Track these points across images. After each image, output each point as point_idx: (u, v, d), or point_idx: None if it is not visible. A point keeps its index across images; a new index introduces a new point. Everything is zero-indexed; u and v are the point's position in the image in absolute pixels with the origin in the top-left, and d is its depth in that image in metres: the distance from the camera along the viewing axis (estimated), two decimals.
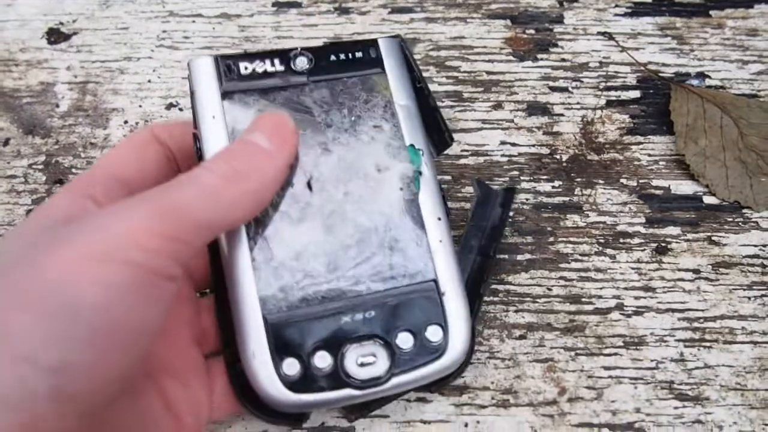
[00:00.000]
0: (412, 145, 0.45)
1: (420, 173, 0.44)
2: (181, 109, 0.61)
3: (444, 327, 0.42)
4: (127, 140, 0.44)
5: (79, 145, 0.59)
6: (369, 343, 0.41)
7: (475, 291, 0.48)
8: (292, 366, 0.39)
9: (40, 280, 0.32)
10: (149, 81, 0.63)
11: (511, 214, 0.54)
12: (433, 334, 0.41)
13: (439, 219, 0.44)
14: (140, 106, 0.61)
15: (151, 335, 0.36)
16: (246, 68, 0.44)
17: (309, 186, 0.43)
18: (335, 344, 0.40)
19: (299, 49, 0.46)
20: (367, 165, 0.44)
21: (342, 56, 0.46)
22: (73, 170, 0.58)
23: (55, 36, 0.66)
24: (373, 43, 0.47)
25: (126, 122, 0.60)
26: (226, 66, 0.44)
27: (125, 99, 0.62)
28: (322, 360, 0.40)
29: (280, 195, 0.42)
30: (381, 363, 0.40)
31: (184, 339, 0.43)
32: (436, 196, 0.44)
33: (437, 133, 0.49)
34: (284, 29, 0.66)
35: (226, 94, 0.44)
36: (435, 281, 0.42)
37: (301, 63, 0.45)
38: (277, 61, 0.45)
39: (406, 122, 0.45)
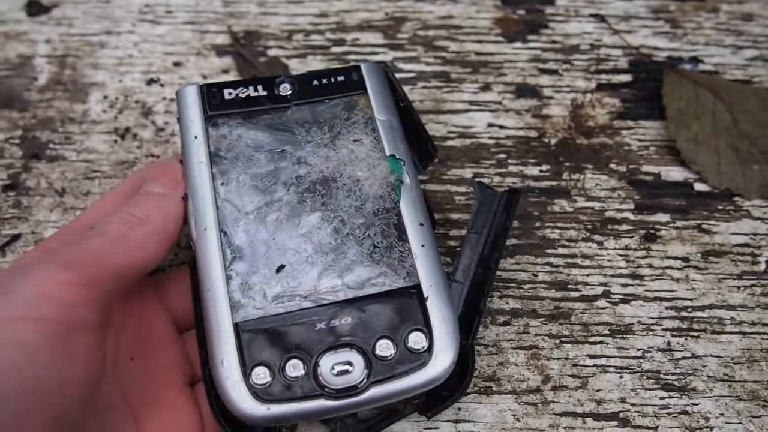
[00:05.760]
0: (393, 156, 0.44)
1: (401, 182, 0.43)
2: (162, 85, 0.60)
3: (427, 333, 0.39)
4: (112, 191, 0.44)
5: (57, 119, 0.58)
6: (345, 351, 0.39)
7: (474, 307, 0.46)
8: (262, 375, 0.38)
9: None
10: (130, 56, 0.61)
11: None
12: (416, 341, 0.39)
13: (422, 225, 0.42)
14: (120, 81, 0.60)
15: (80, 392, 0.35)
16: (230, 94, 0.46)
17: (286, 197, 0.42)
18: (309, 352, 0.38)
19: (283, 76, 0.47)
20: (347, 176, 0.43)
21: (325, 81, 0.47)
22: (50, 145, 0.56)
23: (35, 8, 0.64)
24: (356, 68, 0.48)
25: (106, 97, 0.59)
26: (211, 93, 0.46)
27: (105, 74, 0.60)
28: (295, 369, 0.38)
29: (256, 205, 0.42)
30: (357, 371, 0.38)
31: (173, 383, 0.43)
32: (418, 203, 0.43)
33: (422, 147, 0.48)
34: (269, 5, 0.64)
35: (209, 119, 0.45)
36: (417, 286, 0.41)
37: (285, 89, 0.46)
38: (260, 87, 0.46)
39: (387, 135, 0.45)
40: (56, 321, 0.34)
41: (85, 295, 0.35)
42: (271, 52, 0.61)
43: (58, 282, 0.35)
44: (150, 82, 0.60)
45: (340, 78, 0.47)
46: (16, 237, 0.52)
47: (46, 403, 0.33)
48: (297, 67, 0.60)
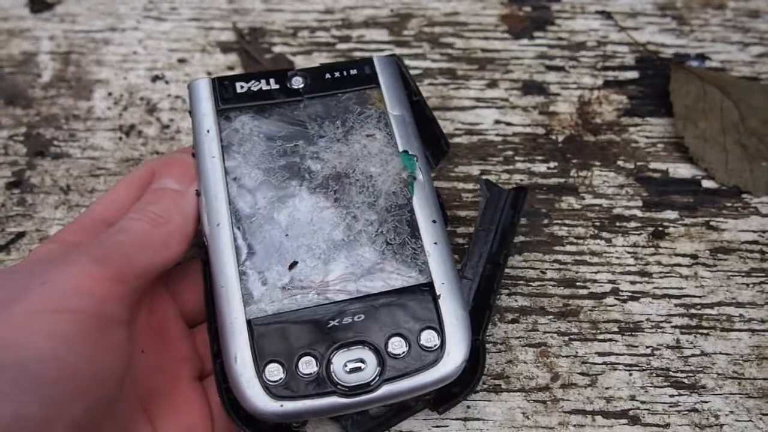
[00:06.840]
0: (405, 151, 0.44)
1: (414, 178, 0.43)
2: (167, 82, 0.59)
3: (439, 331, 0.39)
4: (123, 181, 0.44)
5: (61, 116, 0.58)
6: (357, 348, 0.38)
7: (484, 302, 0.45)
8: (275, 371, 0.38)
9: None
10: (134, 52, 0.61)
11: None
12: (428, 339, 0.39)
13: (434, 222, 0.42)
14: (125, 78, 0.60)
15: (110, 384, 0.36)
16: (242, 87, 0.45)
17: (299, 193, 0.42)
18: (321, 349, 0.38)
19: (295, 69, 0.46)
20: (359, 171, 0.43)
21: (337, 74, 0.47)
22: (54, 142, 0.56)
23: (39, 4, 0.64)
24: (368, 61, 0.47)
25: (110, 94, 0.59)
26: (223, 86, 0.45)
27: (110, 70, 0.60)
28: (308, 365, 0.38)
29: (268, 200, 0.42)
30: (370, 369, 0.38)
31: (183, 376, 0.43)
32: (431, 200, 0.43)
33: (434, 143, 0.48)
34: (274, 1, 0.64)
35: (221, 112, 0.44)
36: (430, 284, 0.40)
37: (297, 82, 0.46)
38: (272, 81, 0.46)
39: (400, 130, 0.45)
40: (90, 314, 0.35)
41: (115, 291, 0.36)
42: (277, 49, 0.61)
43: (91, 277, 0.36)
44: (155, 79, 0.60)
45: (353, 71, 0.47)
46: (20, 234, 0.52)
47: (81, 392, 0.34)
48: (302, 63, 0.60)
